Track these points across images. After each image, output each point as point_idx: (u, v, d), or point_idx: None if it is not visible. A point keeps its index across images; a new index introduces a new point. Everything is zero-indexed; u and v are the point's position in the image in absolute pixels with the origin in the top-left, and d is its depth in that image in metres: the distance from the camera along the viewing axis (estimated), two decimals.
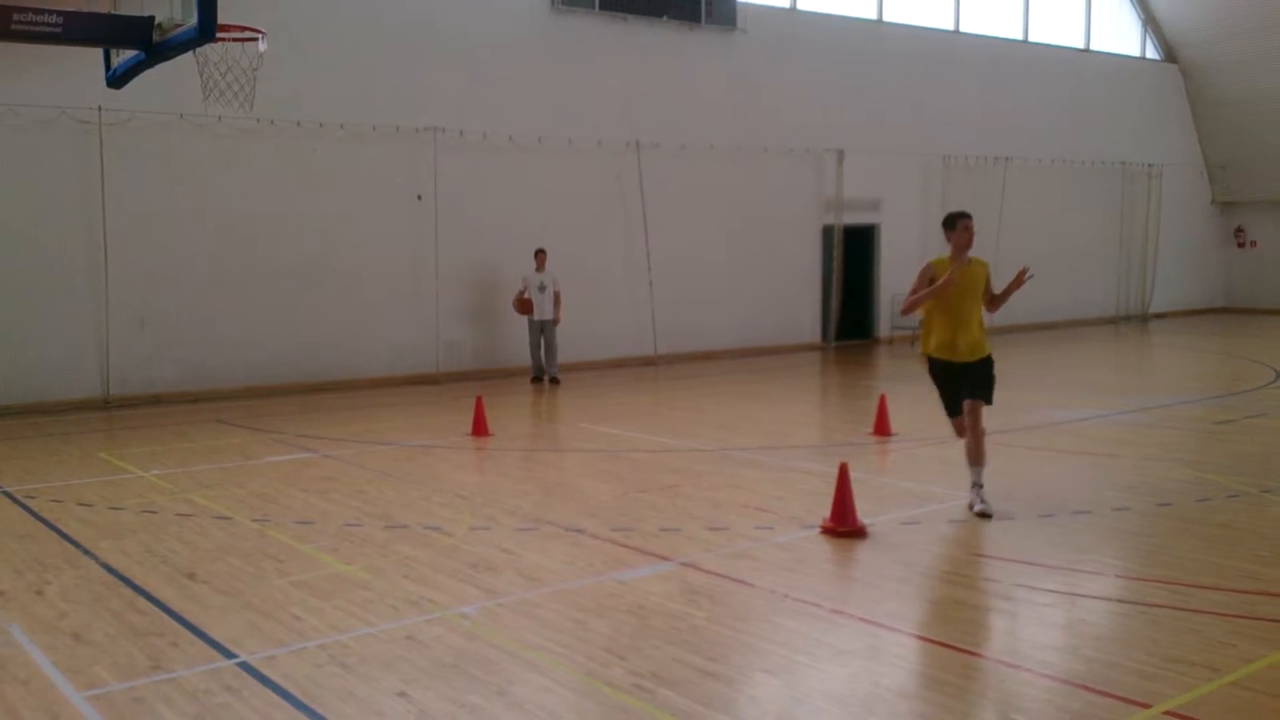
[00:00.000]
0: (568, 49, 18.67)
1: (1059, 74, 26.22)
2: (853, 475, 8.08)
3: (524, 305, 16.83)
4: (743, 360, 20.17)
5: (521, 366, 17.68)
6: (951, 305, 8.54)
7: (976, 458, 8.56)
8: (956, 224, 8.63)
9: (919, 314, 8.83)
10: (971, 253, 8.69)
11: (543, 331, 17.01)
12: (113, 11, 9.49)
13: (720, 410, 14.30)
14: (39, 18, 8.74)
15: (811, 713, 5.00)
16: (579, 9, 18.63)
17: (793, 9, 21.58)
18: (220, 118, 14.52)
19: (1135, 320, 28.09)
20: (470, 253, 17.72)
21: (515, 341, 17.68)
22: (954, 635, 5.96)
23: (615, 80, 19.19)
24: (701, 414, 14.02)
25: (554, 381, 17.02)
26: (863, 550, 7.59)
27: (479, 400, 12.75)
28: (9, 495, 9.57)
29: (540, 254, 16.88)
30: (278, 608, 6.44)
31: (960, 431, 8.70)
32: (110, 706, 5.08)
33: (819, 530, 7.99)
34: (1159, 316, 28.68)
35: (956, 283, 8.44)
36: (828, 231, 22.16)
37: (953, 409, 8.73)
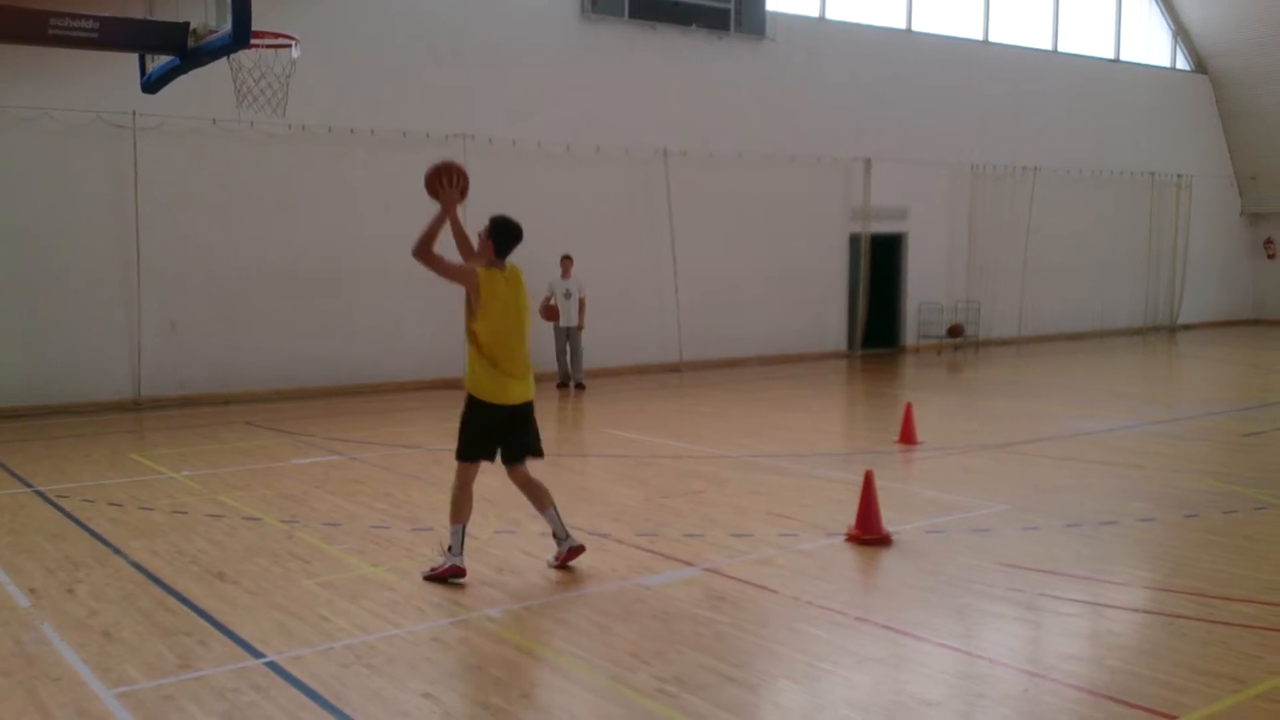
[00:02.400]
0: (597, 57, 18.73)
1: (1088, 84, 26.10)
2: (878, 483, 8.06)
3: (549, 312, 16.89)
4: (768, 368, 20.16)
5: (547, 372, 17.70)
6: (506, 322, 7.12)
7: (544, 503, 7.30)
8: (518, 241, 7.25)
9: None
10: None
11: (568, 338, 17.06)
12: (148, 17, 9.60)
13: (745, 417, 14.30)
14: (75, 23, 8.85)
15: None
16: (609, 17, 18.69)
17: (822, 18, 21.59)
18: (253, 123, 14.65)
19: (1163, 331, 27.91)
20: None
21: (541, 347, 17.72)
22: (978, 644, 5.96)
23: (644, 88, 19.24)
24: (726, 421, 14.03)
25: (579, 387, 17.06)
26: (887, 558, 7.59)
27: None
28: (41, 495, 9.68)
29: (566, 260, 16.93)
30: (305, 608, 6.49)
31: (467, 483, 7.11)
32: (139, 704, 5.14)
33: (844, 538, 7.98)
34: (1187, 328, 28.49)
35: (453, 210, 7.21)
36: (855, 240, 22.14)
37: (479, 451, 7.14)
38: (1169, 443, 12.21)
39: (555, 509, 7.34)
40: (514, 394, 7.15)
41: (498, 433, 7.17)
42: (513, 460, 7.29)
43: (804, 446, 12.28)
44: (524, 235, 7.34)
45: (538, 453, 7.39)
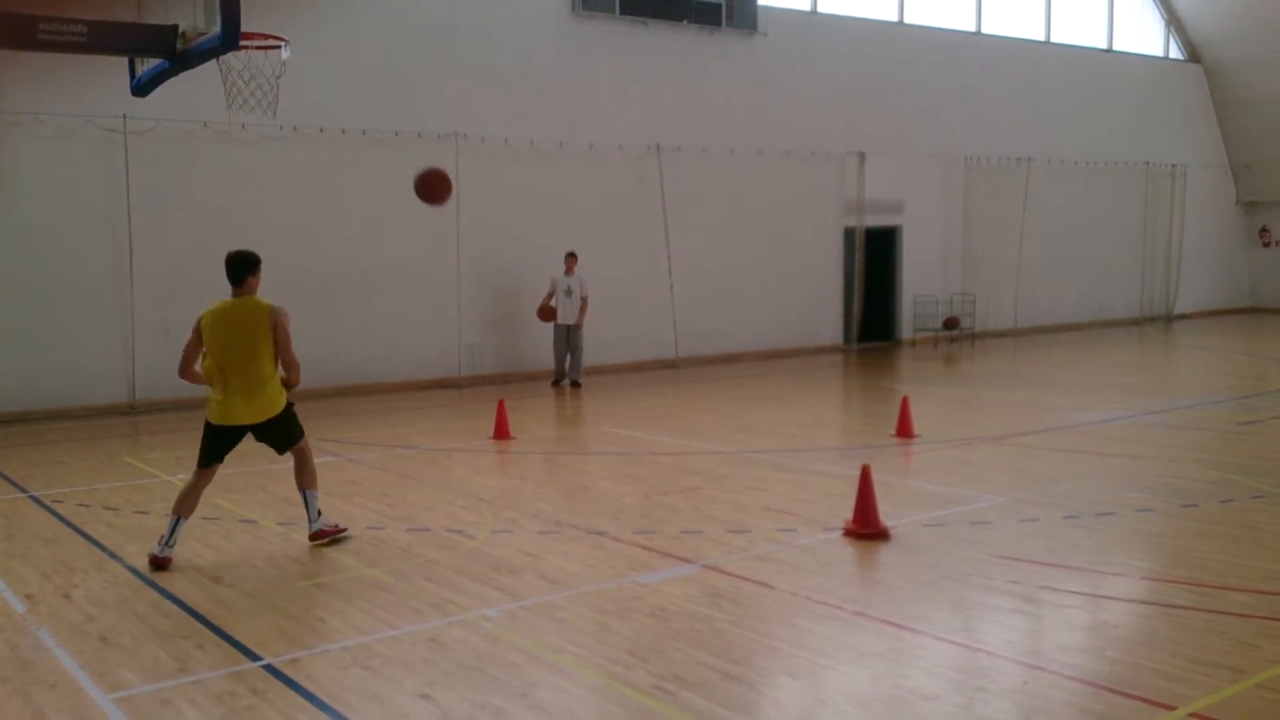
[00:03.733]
0: (589, 54, 18.71)
1: (1082, 74, 26.10)
2: (875, 477, 8.06)
3: (547, 313, 16.81)
4: (764, 363, 20.16)
5: (543, 370, 17.70)
6: (217, 355, 7.72)
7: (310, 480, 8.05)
8: (259, 268, 8.11)
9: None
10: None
11: (568, 336, 17.02)
12: (137, 20, 9.58)
13: (742, 413, 14.29)
14: (65, 27, 8.82)
15: (834, 715, 5.00)
16: (600, 14, 18.66)
17: (813, 12, 21.56)
18: (243, 125, 14.60)
19: (1159, 321, 27.92)
20: (492, 257, 17.77)
21: (536, 345, 17.71)
22: (977, 637, 5.95)
23: (636, 84, 19.22)
24: (723, 417, 14.02)
25: (575, 385, 17.02)
26: (885, 552, 7.58)
27: (501, 404, 12.78)
28: (36, 500, 9.66)
29: (570, 257, 16.87)
30: (302, 610, 6.48)
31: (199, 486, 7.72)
32: (137, 709, 5.12)
33: (841, 532, 7.98)
34: (1183, 317, 28.50)
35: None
36: (849, 234, 22.11)
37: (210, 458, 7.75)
38: (1166, 433, 12.21)
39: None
40: (236, 414, 7.68)
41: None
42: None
43: (801, 441, 12.27)
44: (250, 259, 8.20)
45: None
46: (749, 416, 14.01)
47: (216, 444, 7.73)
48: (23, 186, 14.43)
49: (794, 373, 18.89)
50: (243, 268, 8.02)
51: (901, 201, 22.88)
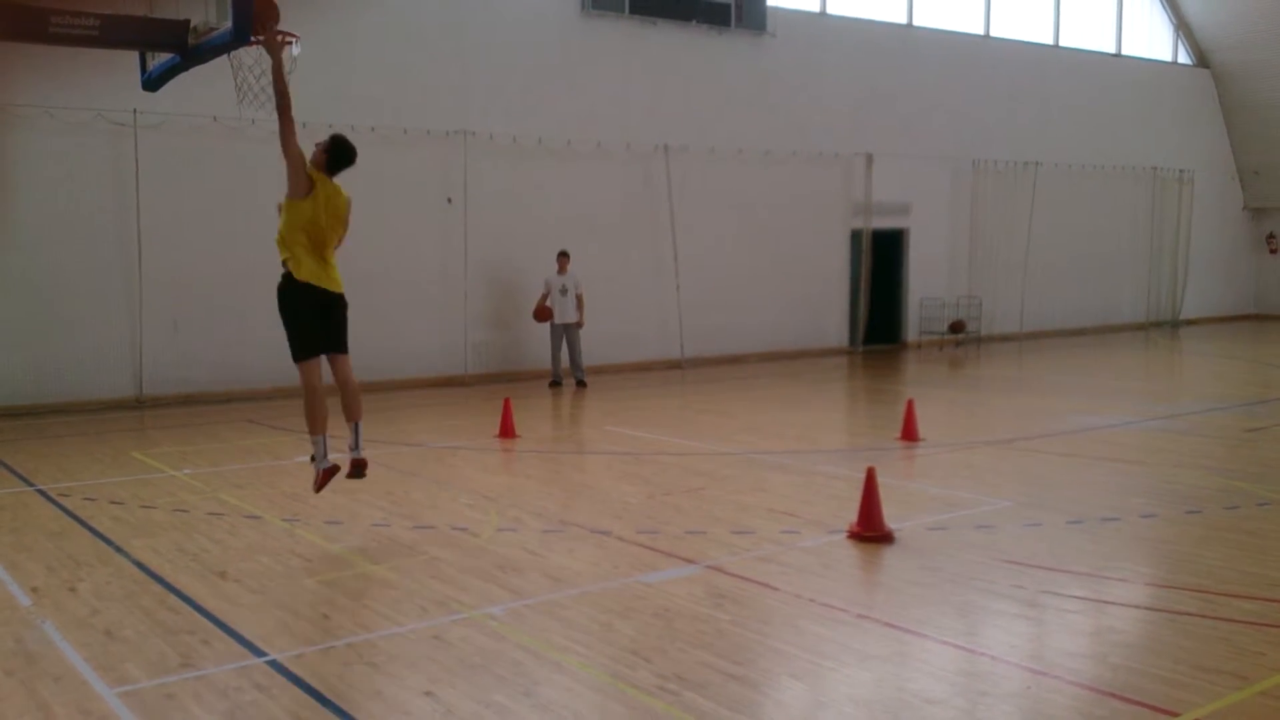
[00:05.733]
0: (597, 53, 18.72)
1: (1090, 79, 26.08)
2: (880, 480, 8.06)
3: (543, 313, 16.77)
4: (769, 364, 20.16)
5: (543, 369, 17.67)
6: (318, 228, 8.27)
7: (355, 411, 8.28)
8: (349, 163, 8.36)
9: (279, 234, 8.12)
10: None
11: (565, 334, 17.01)
12: (149, 15, 9.58)
13: (747, 414, 14.30)
14: (76, 21, 8.83)
15: (837, 717, 5.01)
16: (609, 13, 18.67)
17: (822, 13, 21.56)
18: (254, 121, 14.58)
19: (1166, 326, 27.88)
20: (499, 255, 17.78)
21: (542, 344, 17.71)
22: (980, 641, 5.96)
23: (644, 84, 19.22)
24: (728, 417, 14.02)
25: (580, 385, 17.02)
26: (889, 555, 7.58)
27: (507, 402, 12.79)
28: (43, 493, 9.68)
29: (563, 256, 16.87)
30: (307, 607, 6.50)
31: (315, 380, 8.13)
32: (141, 703, 5.14)
33: (845, 535, 7.98)
34: (1189, 323, 28.47)
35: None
36: (856, 236, 22.12)
37: (312, 348, 8.19)
38: (1171, 438, 12.20)
39: (359, 424, 8.19)
40: (325, 280, 8.21)
41: (319, 318, 8.16)
42: (336, 348, 8.25)
43: (806, 443, 12.27)
44: (356, 159, 8.37)
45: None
46: (753, 417, 14.02)
47: (312, 318, 8.11)
48: (32, 180, 14.46)
49: (799, 374, 18.89)
50: (350, 162, 8.44)
51: (908, 204, 22.87)
